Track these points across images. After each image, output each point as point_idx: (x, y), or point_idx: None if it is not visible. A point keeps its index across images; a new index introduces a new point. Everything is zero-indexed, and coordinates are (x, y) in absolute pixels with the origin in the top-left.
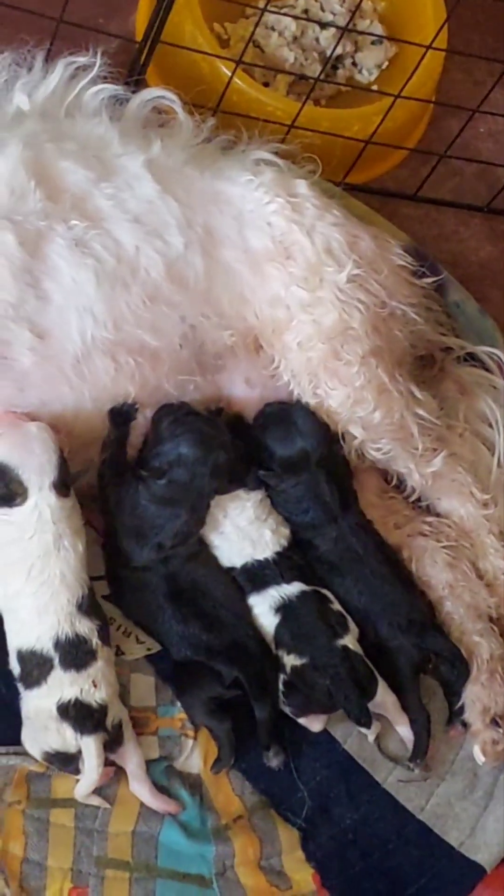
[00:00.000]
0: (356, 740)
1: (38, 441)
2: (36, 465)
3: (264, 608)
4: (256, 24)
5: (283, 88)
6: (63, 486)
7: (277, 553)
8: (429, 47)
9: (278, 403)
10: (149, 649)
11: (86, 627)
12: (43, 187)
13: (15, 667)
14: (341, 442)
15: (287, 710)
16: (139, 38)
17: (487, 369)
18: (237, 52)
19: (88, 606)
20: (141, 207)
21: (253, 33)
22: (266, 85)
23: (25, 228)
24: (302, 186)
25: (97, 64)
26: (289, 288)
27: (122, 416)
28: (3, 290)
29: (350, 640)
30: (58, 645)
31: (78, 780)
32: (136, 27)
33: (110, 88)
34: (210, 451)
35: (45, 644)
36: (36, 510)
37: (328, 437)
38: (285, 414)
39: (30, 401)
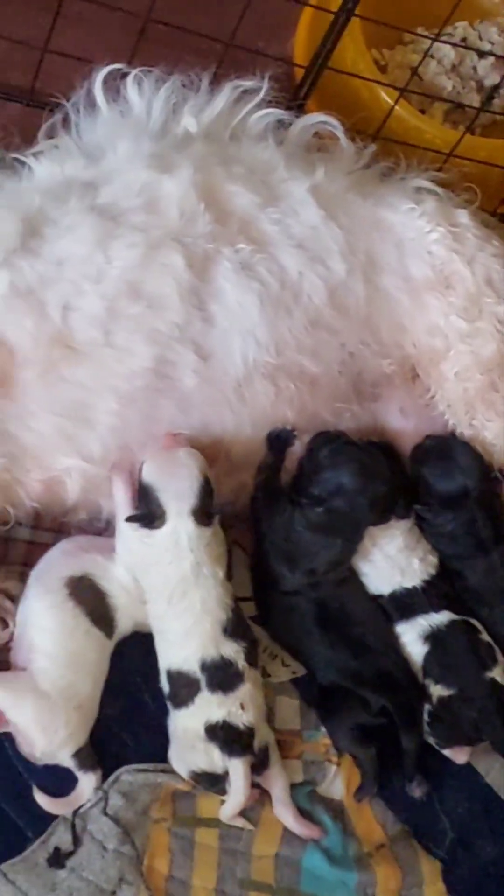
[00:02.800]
0: (499, 774)
1: (184, 467)
2: (176, 490)
3: (413, 636)
4: (426, 54)
5: (440, 116)
6: (203, 514)
7: (426, 581)
8: None
9: (438, 437)
10: (294, 673)
11: (231, 650)
12: (212, 210)
13: (165, 685)
14: (498, 475)
15: (431, 740)
16: (297, 61)
17: None
18: (394, 78)
19: (234, 629)
20: (305, 233)
21: (421, 62)
22: (422, 112)
23: (194, 251)
24: (463, 216)
25: (263, 88)
26: (448, 317)
27: (279, 440)
28: (170, 310)
29: (498, 673)
30: (204, 667)
31: (223, 801)
32: (295, 51)
33: (276, 113)
34: (370, 483)
35: (191, 666)
36: (173, 535)
37: (487, 474)
38: (446, 448)
39: (191, 422)
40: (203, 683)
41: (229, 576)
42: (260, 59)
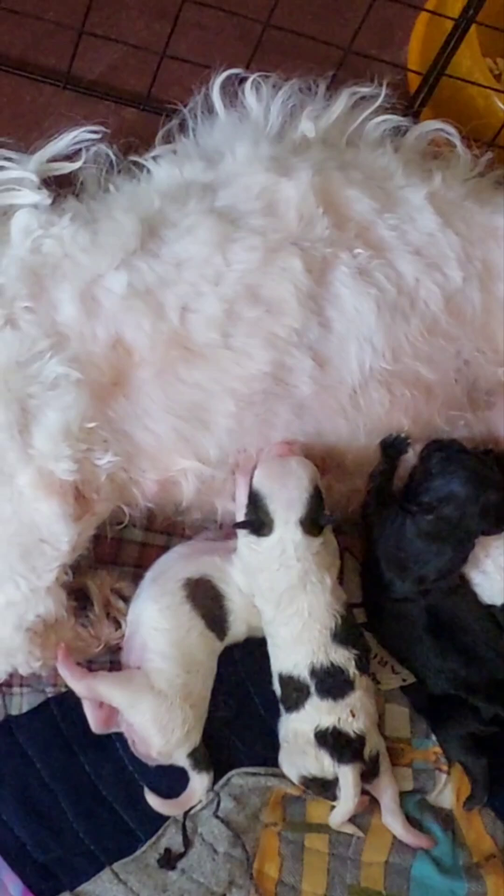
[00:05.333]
0: None
1: (294, 476)
2: (285, 499)
3: None
4: None
5: None
6: (312, 524)
7: None
8: None
9: None
10: (404, 680)
11: (342, 657)
12: (330, 214)
13: (276, 688)
14: None
15: None
16: (411, 67)
17: None
18: None
19: (345, 636)
20: (422, 240)
21: None
22: None
23: (312, 255)
24: None
25: (381, 94)
26: None
27: (394, 448)
28: (288, 315)
29: None
30: (314, 673)
31: (333, 806)
32: (409, 58)
33: (393, 119)
34: (481, 491)
35: (301, 671)
36: (280, 544)
37: None
38: None
39: (306, 429)
40: (313, 689)
41: (340, 582)
42: (375, 65)
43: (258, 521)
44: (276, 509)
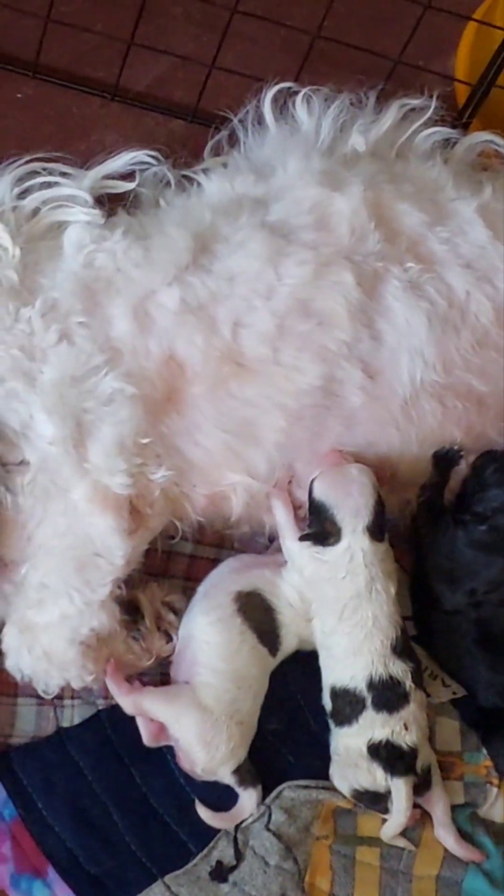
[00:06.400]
0: None
1: (357, 484)
2: (352, 508)
3: None
4: None
5: None
6: (377, 530)
7: None
8: None
9: None
10: (454, 693)
11: (399, 669)
12: (381, 228)
13: (327, 703)
14: None
15: None
16: (460, 78)
17: None
18: None
19: (402, 648)
20: (473, 252)
21: None
22: None
23: (363, 269)
24: None
25: (432, 106)
26: None
27: (446, 460)
28: (339, 328)
29: None
30: (371, 685)
31: (384, 820)
32: (457, 69)
33: (443, 131)
34: None
35: (358, 683)
36: (348, 552)
37: None
38: None
39: (357, 440)
40: (369, 702)
41: (399, 593)
42: (424, 76)
43: (324, 533)
44: (343, 518)
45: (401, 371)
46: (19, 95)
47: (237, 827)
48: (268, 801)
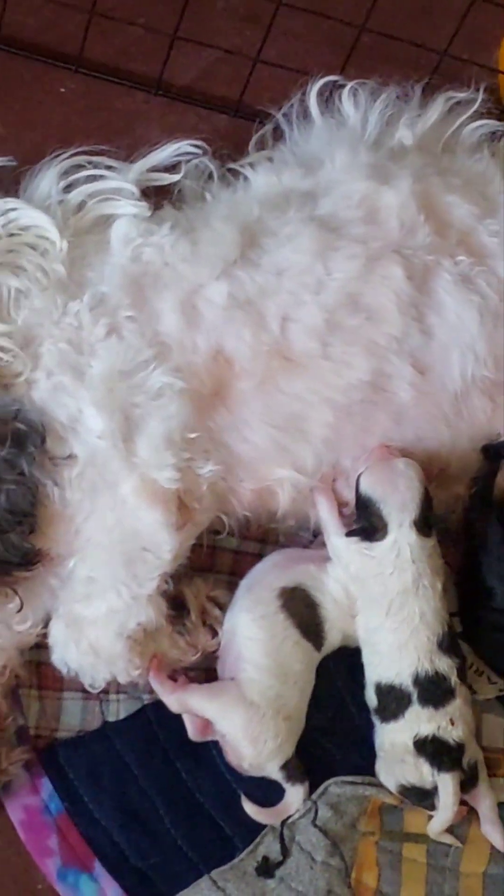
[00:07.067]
0: None
1: (404, 478)
2: (398, 502)
3: None
4: None
5: None
6: (425, 525)
7: None
8: None
9: None
10: (501, 690)
11: (445, 665)
12: (431, 221)
13: (371, 699)
14: None
15: None
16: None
17: None
18: None
19: (448, 644)
20: None
21: None
22: None
23: (413, 262)
24: None
25: (478, 99)
26: None
27: (496, 453)
28: (389, 323)
29: None
30: (417, 681)
31: (431, 816)
32: (500, 62)
33: (490, 124)
34: None
35: (404, 679)
36: (395, 547)
37: None
38: None
39: (406, 435)
40: (415, 697)
41: (445, 589)
42: (469, 69)
43: (371, 528)
44: (389, 512)
45: (451, 367)
46: (63, 90)
47: (283, 822)
48: (314, 796)
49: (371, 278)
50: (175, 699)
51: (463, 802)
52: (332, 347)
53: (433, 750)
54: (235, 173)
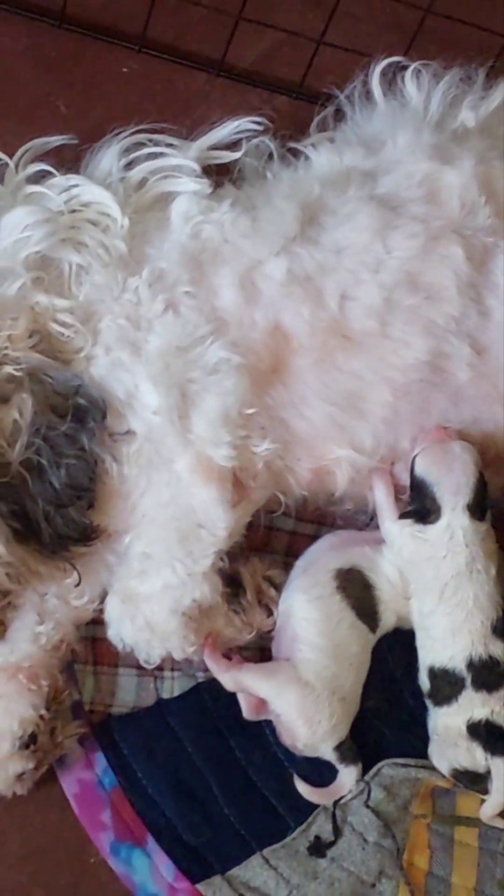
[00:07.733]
0: None
1: (459, 461)
2: (452, 485)
3: None
4: None
5: None
6: (478, 509)
7: None
8: None
9: None
10: None
11: (499, 649)
12: (492, 203)
13: (425, 683)
14: None
15: None
16: None
17: None
18: None
19: (502, 629)
20: None
21: None
22: None
23: (473, 243)
24: None
25: None
26: None
27: None
28: (448, 303)
29: None
30: (471, 665)
31: (483, 800)
32: None
33: None
34: None
35: (457, 664)
36: (448, 530)
37: None
38: None
39: (462, 416)
40: (468, 682)
41: (500, 574)
42: None
43: (424, 510)
44: (443, 495)
45: None
46: (125, 70)
47: (336, 803)
48: (367, 777)
49: (430, 258)
50: (230, 677)
51: None
52: (391, 326)
53: (486, 734)
54: (296, 153)
